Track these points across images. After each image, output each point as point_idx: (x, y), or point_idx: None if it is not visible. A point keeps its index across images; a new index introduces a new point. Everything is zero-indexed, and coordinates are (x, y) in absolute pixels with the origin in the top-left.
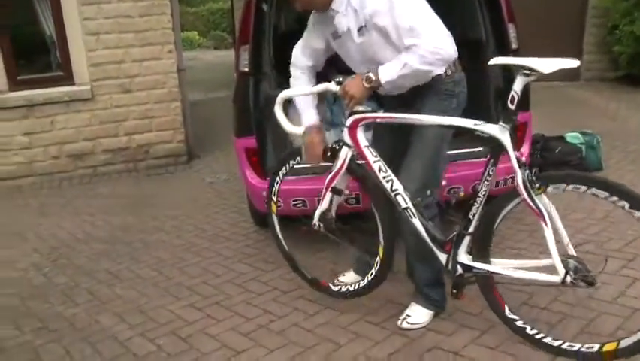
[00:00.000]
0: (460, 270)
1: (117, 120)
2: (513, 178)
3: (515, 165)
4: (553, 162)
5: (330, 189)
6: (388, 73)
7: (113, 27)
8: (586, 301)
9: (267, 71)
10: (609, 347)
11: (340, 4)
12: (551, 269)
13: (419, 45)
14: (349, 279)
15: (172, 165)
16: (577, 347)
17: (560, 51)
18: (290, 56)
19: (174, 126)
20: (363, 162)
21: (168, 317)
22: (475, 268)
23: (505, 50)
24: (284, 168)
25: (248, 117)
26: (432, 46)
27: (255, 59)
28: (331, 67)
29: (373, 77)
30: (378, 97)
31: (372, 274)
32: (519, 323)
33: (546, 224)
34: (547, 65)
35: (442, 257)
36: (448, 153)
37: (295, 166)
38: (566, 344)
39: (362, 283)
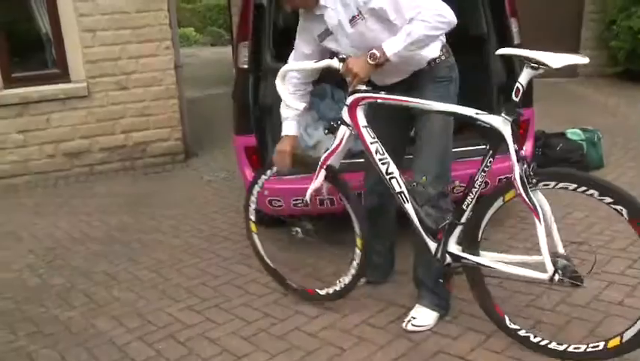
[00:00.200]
0: (448, 259)
1: (114, 118)
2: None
3: (514, 159)
4: (555, 160)
5: (324, 167)
6: (394, 45)
7: (110, 23)
8: (593, 303)
9: (266, 68)
10: (613, 342)
11: (328, 0)
12: (540, 266)
13: (421, 12)
14: None
15: (169, 164)
16: (583, 348)
17: (558, 46)
18: (289, 53)
19: (172, 124)
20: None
21: (167, 320)
22: (463, 258)
23: (507, 45)
24: (259, 182)
25: (247, 115)
26: (434, 9)
27: (255, 55)
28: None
29: (378, 54)
30: (375, 88)
31: (354, 267)
32: (522, 333)
33: (539, 220)
34: (556, 59)
35: (432, 246)
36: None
37: (271, 176)
38: (572, 346)
39: (347, 279)
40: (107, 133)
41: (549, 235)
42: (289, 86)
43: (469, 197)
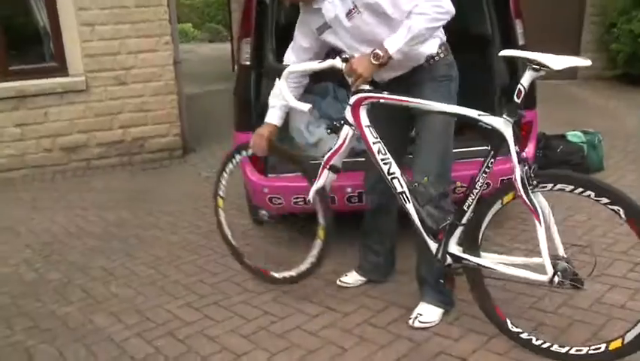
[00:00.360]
0: (449, 260)
1: (112, 113)
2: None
3: (515, 160)
4: (556, 162)
5: (328, 166)
6: (396, 42)
7: (109, 18)
8: (595, 306)
9: (268, 65)
10: (615, 344)
11: None
12: (540, 268)
13: (419, 4)
14: (351, 279)
15: (167, 159)
16: (585, 350)
17: (558, 49)
18: None
19: (170, 120)
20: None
21: (166, 317)
22: (464, 259)
23: (511, 46)
24: (233, 160)
25: (249, 111)
26: (431, 1)
27: (257, 52)
28: None
29: (381, 53)
30: (372, 84)
31: (313, 255)
32: (524, 336)
33: (540, 222)
34: (558, 61)
35: (433, 246)
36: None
37: (246, 156)
38: (574, 349)
39: (303, 267)
40: (104, 128)
41: (549, 237)
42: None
43: (469, 198)
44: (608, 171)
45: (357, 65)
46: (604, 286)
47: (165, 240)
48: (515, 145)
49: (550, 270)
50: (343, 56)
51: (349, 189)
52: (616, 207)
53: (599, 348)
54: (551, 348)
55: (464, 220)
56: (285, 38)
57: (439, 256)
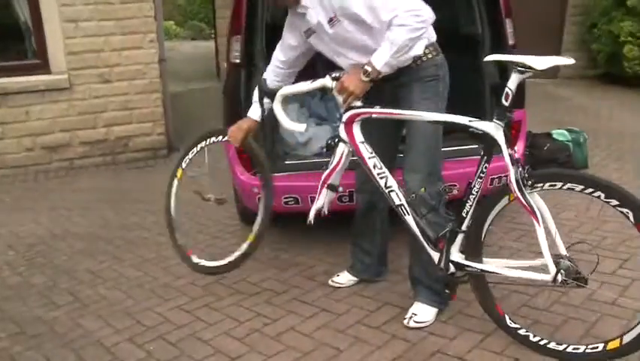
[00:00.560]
0: (452, 268)
1: (95, 111)
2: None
3: (509, 163)
4: (542, 160)
5: (326, 185)
6: (381, 58)
7: (93, 14)
8: (587, 303)
9: (258, 63)
10: (613, 344)
11: (308, 0)
12: (543, 268)
13: (398, 15)
14: (343, 279)
15: (152, 159)
16: (582, 348)
17: (540, 49)
18: None
19: (155, 118)
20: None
21: (156, 320)
22: (467, 266)
23: (502, 46)
24: (207, 140)
25: (239, 110)
26: (408, 10)
27: (247, 50)
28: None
29: (369, 69)
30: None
31: (235, 255)
32: (522, 332)
33: (538, 222)
34: (542, 61)
35: (435, 256)
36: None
37: (215, 142)
38: (571, 347)
39: (221, 263)
40: (88, 127)
41: (549, 236)
42: (271, 74)
43: (467, 204)
44: (593, 169)
45: (349, 83)
46: (594, 283)
47: (152, 241)
48: (508, 148)
49: (553, 269)
50: (333, 75)
51: (340, 189)
52: (625, 210)
53: (597, 348)
54: (548, 345)
55: (464, 227)
56: (275, 36)
57: (442, 265)
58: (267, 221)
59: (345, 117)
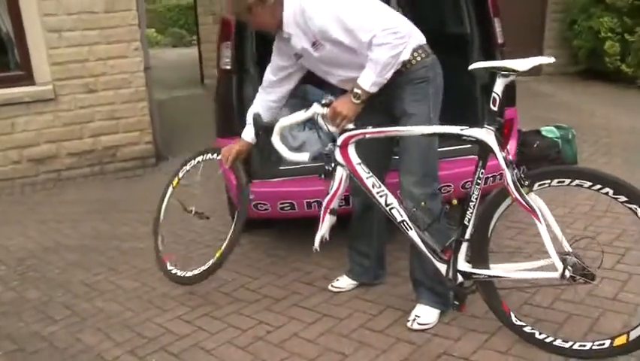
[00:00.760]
0: (460, 278)
1: (82, 122)
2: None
3: (504, 166)
4: (533, 158)
5: (328, 211)
6: (368, 79)
7: (76, 24)
8: (588, 299)
9: (249, 69)
10: (620, 340)
11: (289, 26)
12: (549, 267)
13: (377, 35)
14: (343, 283)
15: (140, 168)
16: (588, 345)
17: (521, 46)
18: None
19: (142, 127)
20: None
21: (157, 331)
22: (475, 274)
23: (490, 45)
24: (204, 156)
25: (231, 117)
26: (385, 29)
27: (238, 56)
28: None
29: (359, 91)
30: None
31: (203, 268)
32: (527, 329)
33: (540, 221)
34: (523, 63)
35: (442, 267)
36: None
37: (210, 158)
38: (577, 344)
39: (190, 273)
40: (74, 137)
41: (552, 234)
42: (264, 112)
43: (468, 212)
44: (582, 164)
45: (341, 108)
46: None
47: (146, 250)
48: (501, 150)
49: (560, 266)
50: (322, 102)
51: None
52: (634, 206)
53: (603, 344)
54: (554, 343)
55: (467, 235)
56: (265, 41)
57: (450, 275)
58: (235, 239)
59: (339, 141)
